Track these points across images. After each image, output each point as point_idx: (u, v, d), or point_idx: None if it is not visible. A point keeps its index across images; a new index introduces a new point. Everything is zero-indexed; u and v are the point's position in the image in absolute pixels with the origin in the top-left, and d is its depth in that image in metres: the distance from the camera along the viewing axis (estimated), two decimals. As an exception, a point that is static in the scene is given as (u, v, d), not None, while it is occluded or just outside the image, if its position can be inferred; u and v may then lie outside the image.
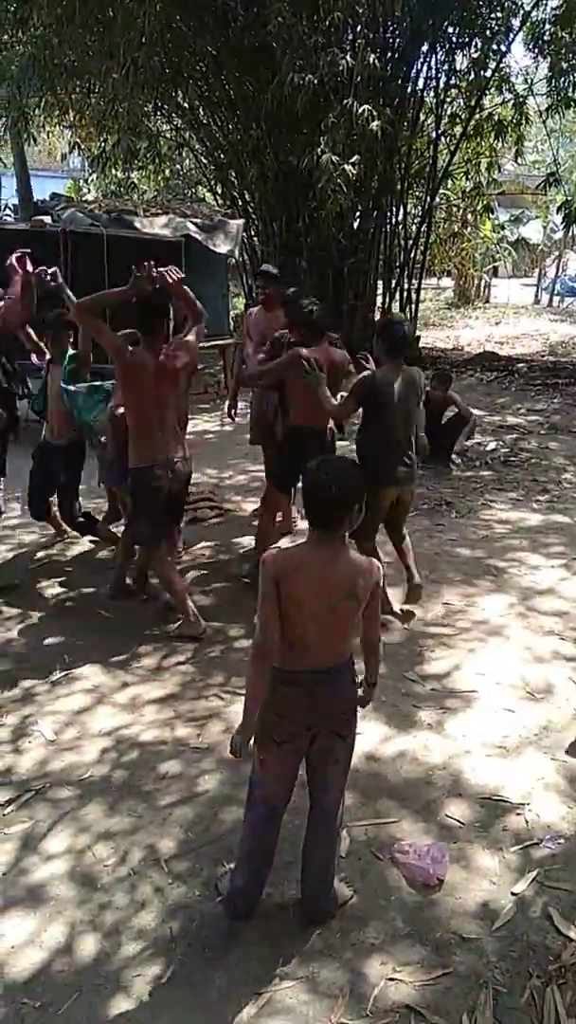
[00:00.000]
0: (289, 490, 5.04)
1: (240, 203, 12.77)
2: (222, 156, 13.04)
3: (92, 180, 20.57)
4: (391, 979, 2.37)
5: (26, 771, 3.33)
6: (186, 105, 12.85)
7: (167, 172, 16.01)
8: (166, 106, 12.86)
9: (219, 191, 13.79)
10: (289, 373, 4.51)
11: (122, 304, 4.32)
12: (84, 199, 14.19)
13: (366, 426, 4.40)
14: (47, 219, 8.77)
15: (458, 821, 3.02)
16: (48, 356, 5.20)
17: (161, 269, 4.16)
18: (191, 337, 4.35)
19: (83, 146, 15.97)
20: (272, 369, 4.66)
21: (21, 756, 3.43)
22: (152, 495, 4.26)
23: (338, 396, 4.47)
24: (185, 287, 4.33)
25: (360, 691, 2.59)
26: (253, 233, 12.68)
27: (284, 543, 4.72)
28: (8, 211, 16.79)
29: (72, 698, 3.87)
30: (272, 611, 2.33)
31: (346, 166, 9.15)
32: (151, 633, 4.48)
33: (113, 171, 14.51)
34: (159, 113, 13.12)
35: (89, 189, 20.42)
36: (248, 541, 5.63)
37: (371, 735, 3.52)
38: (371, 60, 9.57)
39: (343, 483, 2.31)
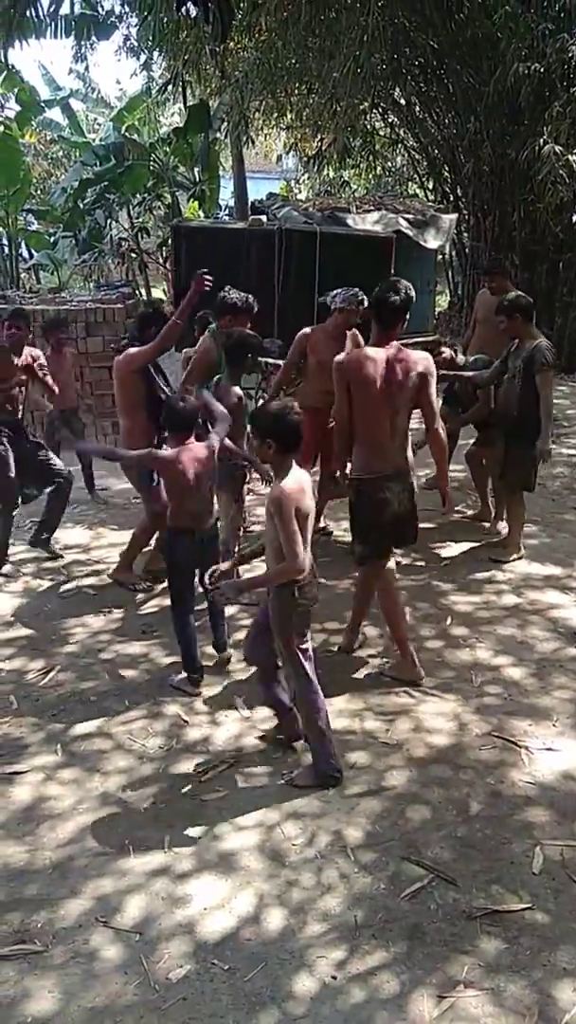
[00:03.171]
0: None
1: (452, 198, 12.57)
2: (436, 152, 12.89)
3: (304, 180, 21.09)
4: (584, 1009, 2.25)
5: (222, 743, 3.48)
6: (402, 102, 12.83)
7: (379, 169, 16.06)
8: (382, 104, 12.90)
9: (430, 187, 13.65)
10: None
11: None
12: (297, 198, 14.56)
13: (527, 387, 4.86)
14: (263, 218, 9.07)
15: None
16: None
17: None
18: None
19: (298, 147, 16.39)
20: None
21: (218, 728, 3.59)
22: (375, 510, 3.85)
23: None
24: None
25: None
26: (463, 229, 12.44)
27: None
28: (225, 212, 17.54)
29: (266, 679, 3.99)
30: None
31: (570, 156, 8.74)
32: (340, 627, 4.51)
33: (327, 170, 14.77)
34: (375, 110, 13.18)
35: (300, 189, 20.92)
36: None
37: (570, 752, 3.35)
38: (604, 45, 9.06)
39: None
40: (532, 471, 5.08)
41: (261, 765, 3.33)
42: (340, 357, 3.81)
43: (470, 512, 6.05)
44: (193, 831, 2.96)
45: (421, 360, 3.75)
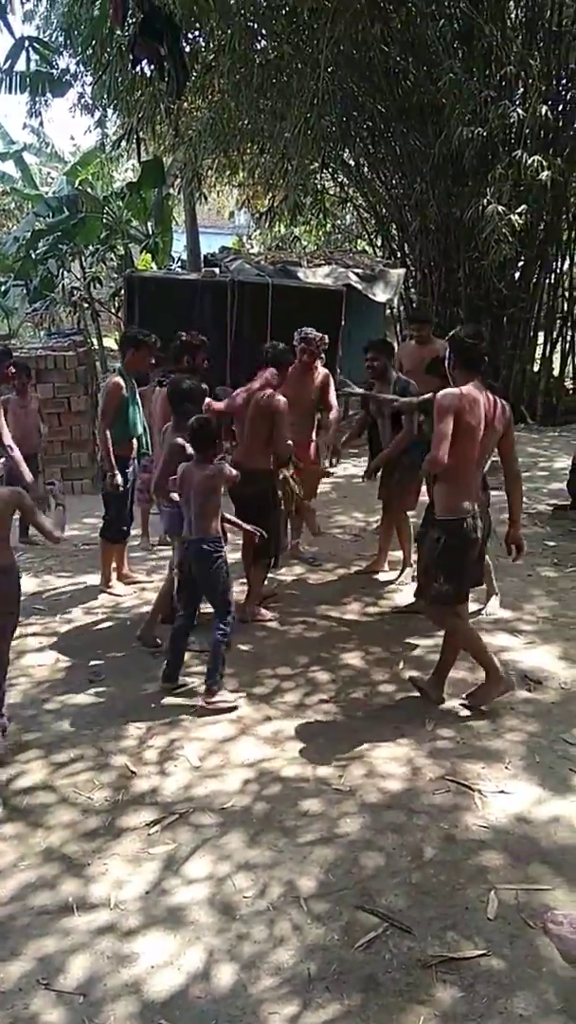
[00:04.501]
0: None
1: (399, 255, 12.95)
2: (383, 210, 13.31)
3: (255, 236, 21.56)
4: (541, 1058, 2.20)
5: (171, 794, 3.39)
6: (352, 162, 13.27)
7: (329, 226, 16.51)
8: (332, 164, 13.31)
9: (379, 244, 14.06)
10: None
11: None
12: (249, 252, 14.84)
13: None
14: (216, 270, 9.23)
15: (618, 897, 2.78)
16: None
17: None
18: None
19: (250, 203, 16.80)
20: None
21: (166, 779, 3.50)
22: (468, 549, 3.87)
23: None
24: None
25: None
26: (411, 284, 12.80)
27: None
28: (178, 265, 17.80)
29: (217, 727, 3.92)
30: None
31: (512, 216, 9.09)
32: (292, 672, 4.48)
33: (278, 226, 15.11)
34: (325, 170, 13.58)
35: (252, 244, 21.37)
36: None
37: (523, 795, 3.34)
38: (542, 111, 9.52)
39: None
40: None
41: (211, 816, 3.25)
42: (450, 394, 3.71)
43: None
44: (140, 886, 2.86)
45: (506, 407, 3.86)
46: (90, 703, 4.16)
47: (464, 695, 4.11)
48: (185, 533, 4.32)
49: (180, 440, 4.42)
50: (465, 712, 4.01)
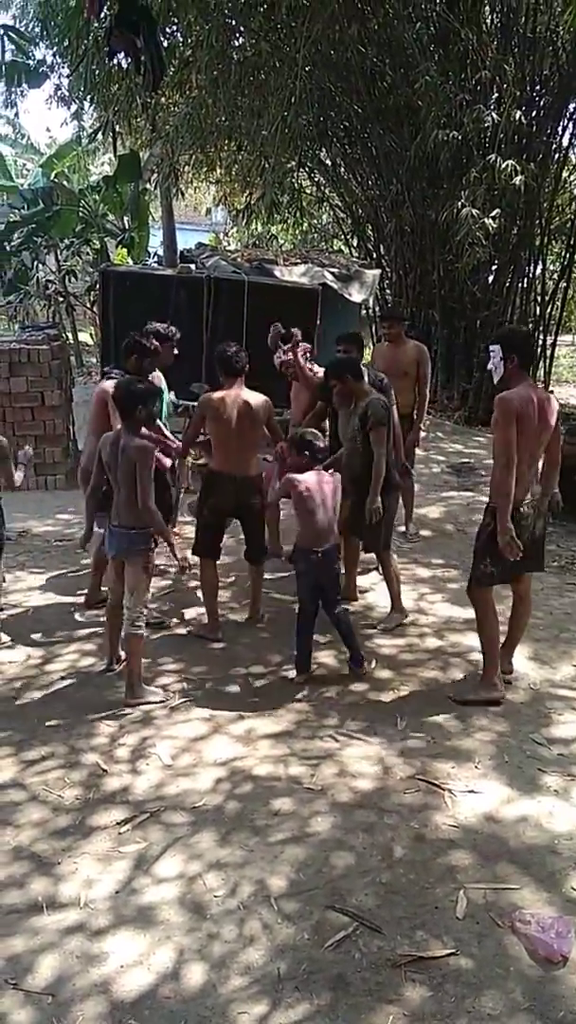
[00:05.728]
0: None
1: (375, 255, 13.00)
2: (360, 211, 13.35)
3: (232, 233, 21.52)
4: (508, 1055, 2.22)
5: (142, 793, 3.37)
6: (328, 162, 13.29)
7: (305, 225, 16.53)
8: (309, 163, 13.33)
9: (355, 244, 14.10)
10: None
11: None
12: (225, 249, 14.82)
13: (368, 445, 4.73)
14: (192, 266, 9.19)
15: (585, 895, 2.83)
16: None
17: None
18: None
19: (227, 200, 16.76)
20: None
21: (138, 777, 3.48)
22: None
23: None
24: None
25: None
26: (386, 285, 12.86)
27: None
28: (154, 260, 17.72)
29: (189, 725, 3.91)
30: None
31: (486, 220, 9.16)
32: (265, 670, 4.49)
33: (255, 224, 15.10)
34: (302, 169, 13.60)
35: (229, 241, 21.33)
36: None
37: (491, 795, 3.37)
38: (517, 116, 9.60)
39: None
40: (387, 528, 4.96)
41: (183, 814, 3.24)
42: (509, 395, 3.83)
43: None
44: (110, 885, 2.85)
45: (556, 405, 4.01)
46: (62, 700, 4.13)
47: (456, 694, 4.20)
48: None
49: (149, 444, 4.21)
50: (435, 712, 4.04)
